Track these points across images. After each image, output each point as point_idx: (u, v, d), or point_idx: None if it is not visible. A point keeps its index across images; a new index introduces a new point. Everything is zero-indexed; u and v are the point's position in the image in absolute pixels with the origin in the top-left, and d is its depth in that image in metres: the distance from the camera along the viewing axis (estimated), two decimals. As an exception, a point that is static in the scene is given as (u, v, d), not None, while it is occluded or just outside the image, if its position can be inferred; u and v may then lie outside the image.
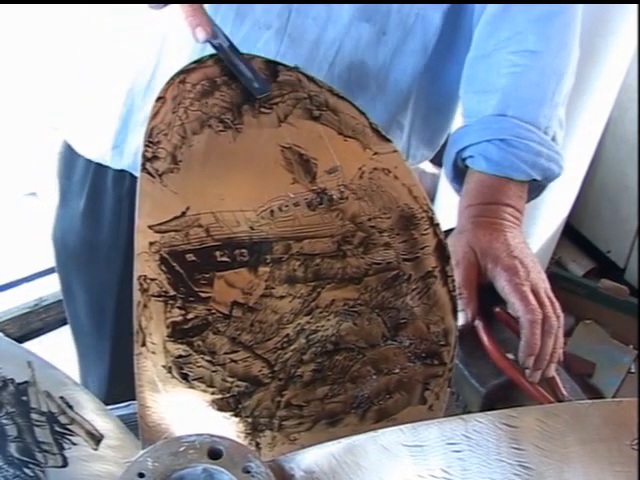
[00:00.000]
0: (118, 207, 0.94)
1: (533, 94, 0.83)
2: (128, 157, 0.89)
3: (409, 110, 0.91)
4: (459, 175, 0.86)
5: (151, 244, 0.57)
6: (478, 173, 0.83)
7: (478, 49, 0.85)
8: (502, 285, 0.75)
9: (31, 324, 1.87)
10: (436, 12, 0.83)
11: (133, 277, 0.99)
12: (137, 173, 0.89)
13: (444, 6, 0.83)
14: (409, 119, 0.92)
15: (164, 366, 0.55)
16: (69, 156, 0.96)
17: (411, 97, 0.90)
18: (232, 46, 0.65)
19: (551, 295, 0.76)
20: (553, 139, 0.84)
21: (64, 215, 1.01)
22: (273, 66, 0.64)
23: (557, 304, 0.76)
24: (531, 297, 0.74)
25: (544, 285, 0.76)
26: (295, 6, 0.78)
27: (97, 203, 0.95)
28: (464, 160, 0.85)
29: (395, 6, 0.81)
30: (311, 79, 0.65)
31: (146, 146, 0.59)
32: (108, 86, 0.88)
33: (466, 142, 0.84)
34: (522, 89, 0.83)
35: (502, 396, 0.74)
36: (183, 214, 0.58)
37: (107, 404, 0.55)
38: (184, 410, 0.55)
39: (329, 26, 0.80)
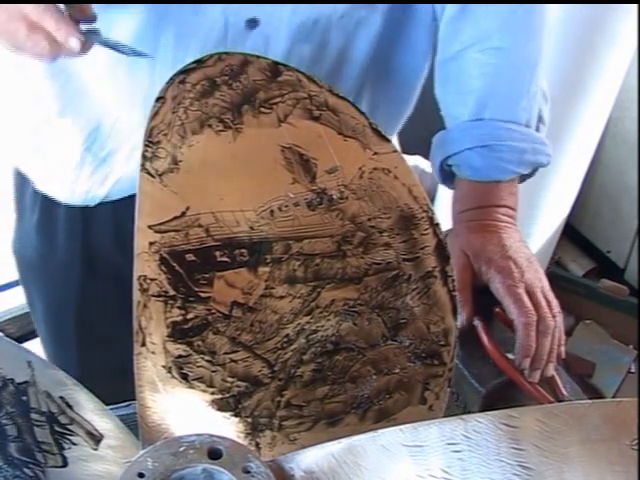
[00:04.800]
0: (71, 224, 0.92)
1: (508, 91, 0.82)
2: (79, 195, 0.88)
3: (362, 104, 0.89)
4: (449, 178, 0.86)
5: (151, 244, 0.57)
6: (466, 180, 0.83)
7: (444, 51, 0.83)
8: (496, 287, 0.75)
9: (31, 324, 1.86)
10: (377, 15, 0.81)
11: (92, 295, 0.98)
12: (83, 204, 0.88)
13: (385, 9, 0.81)
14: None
15: (164, 366, 0.55)
16: (20, 173, 0.95)
17: (362, 90, 0.88)
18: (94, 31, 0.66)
19: (548, 294, 0.76)
20: (540, 120, 0.83)
21: (20, 228, 1.00)
22: (274, 66, 0.64)
23: (555, 302, 0.76)
24: (525, 299, 0.73)
25: (540, 284, 0.76)
26: (230, 36, 0.77)
27: (49, 219, 0.94)
28: (450, 166, 0.85)
29: (336, 17, 0.79)
30: (311, 79, 0.65)
31: (146, 146, 0.59)
32: (66, 126, 0.86)
33: (448, 151, 0.83)
34: (496, 88, 0.81)
35: (502, 396, 0.74)
36: (183, 214, 0.58)
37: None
38: (184, 410, 0.55)
39: (269, 54, 0.79)
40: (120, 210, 0.88)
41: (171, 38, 0.77)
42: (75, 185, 0.88)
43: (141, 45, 0.76)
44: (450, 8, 0.81)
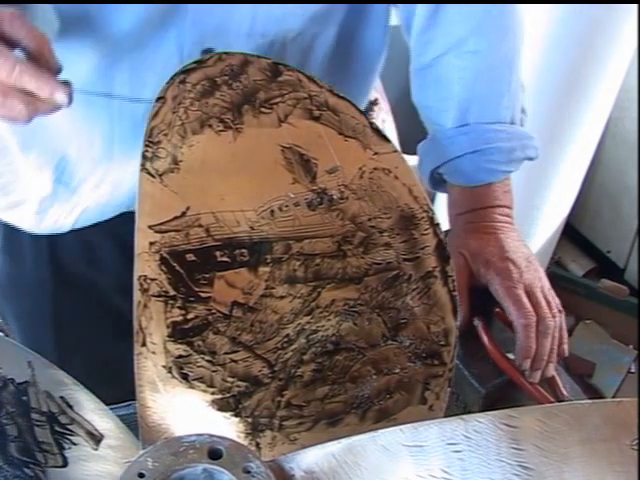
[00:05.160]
0: (37, 247, 0.90)
1: (490, 92, 0.81)
2: (47, 226, 0.86)
3: None
4: (440, 184, 0.85)
5: (151, 244, 0.57)
6: (458, 185, 0.83)
7: (419, 60, 0.82)
8: (495, 289, 0.75)
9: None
10: (331, 28, 0.79)
11: (66, 307, 0.96)
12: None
13: (340, 19, 0.79)
14: None
15: (164, 366, 0.55)
16: None
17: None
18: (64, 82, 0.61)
19: (548, 293, 0.76)
20: (522, 112, 0.82)
21: None
22: (275, 66, 0.64)
23: (555, 301, 0.76)
24: (524, 300, 0.73)
25: (540, 284, 0.76)
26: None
27: (14, 244, 0.91)
28: (441, 174, 0.84)
29: (291, 37, 0.76)
30: (311, 79, 0.65)
31: (146, 146, 0.59)
32: (31, 159, 0.83)
33: (437, 161, 0.82)
34: (477, 91, 0.81)
35: (502, 396, 0.74)
36: (183, 214, 0.58)
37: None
38: (184, 410, 0.55)
39: None
40: (87, 232, 0.86)
41: (126, 76, 0.75)
42: (43, 216, 0.86)
43: (96, 84, 0.74)
44: (419, 18, 0.79)
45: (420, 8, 0.79)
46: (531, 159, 0.83)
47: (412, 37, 0.81)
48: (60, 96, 0.60)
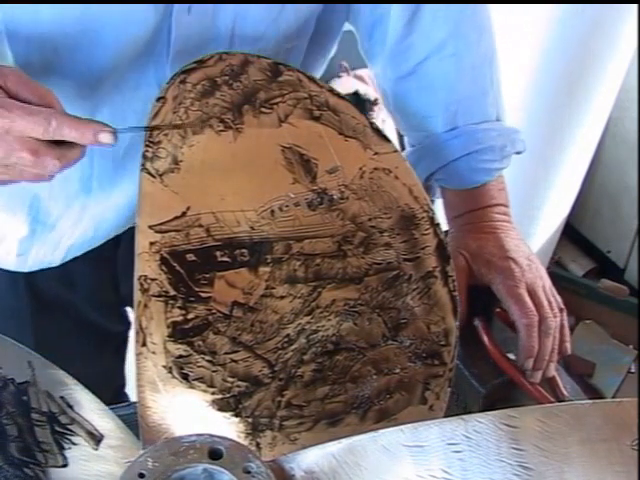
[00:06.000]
0: (14, 279, 0.88)
1: (474, 93, 0.81)
2: (34, 262, 0.85)
3: None
4: (434, 190, 0.86)
5: (151, 244, 0.57)
6: (453, 189, 0.83)
7: (399, 69, 0.82)
8: (498, 288, 0.75)
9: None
10: (304, 41, 0.79)
11: (47, 331, 0.95)
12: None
13: (310, 32, 0.79)
14: None
15: (164, 366, 0.55)
16: None
17: None
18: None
19: (549, 292, 0.76)
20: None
21: None
22: (275, 66, 0.64)
23: (557, 300, 0.75)
24: (526, 299, 0.73)
25: (542, 282, 0.76)
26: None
27: None
28: (435, 180, 0.83)
29: (267, 52, 0.73)
30: (312, 79, 0.65)
31: (146, 146, 0.59)
32: (3, 201, 0.81)
33: (433, 167, 0.82)
34: (462, 94, 0.80)
35: (502, 396, 0.74)
36: (184, 214, 0.58)
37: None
38: (184, 410, 0.55)
39: None
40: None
41: (106, 117, 0.69)
42: (26, 257, 0.84)
43: None
44: (396, 25, 0.78)
45: (396, 15, 0.78)
46: (519, 153, 0.83)
47: (389, 46, 0.81)
48: (106, 136, 0.59)
